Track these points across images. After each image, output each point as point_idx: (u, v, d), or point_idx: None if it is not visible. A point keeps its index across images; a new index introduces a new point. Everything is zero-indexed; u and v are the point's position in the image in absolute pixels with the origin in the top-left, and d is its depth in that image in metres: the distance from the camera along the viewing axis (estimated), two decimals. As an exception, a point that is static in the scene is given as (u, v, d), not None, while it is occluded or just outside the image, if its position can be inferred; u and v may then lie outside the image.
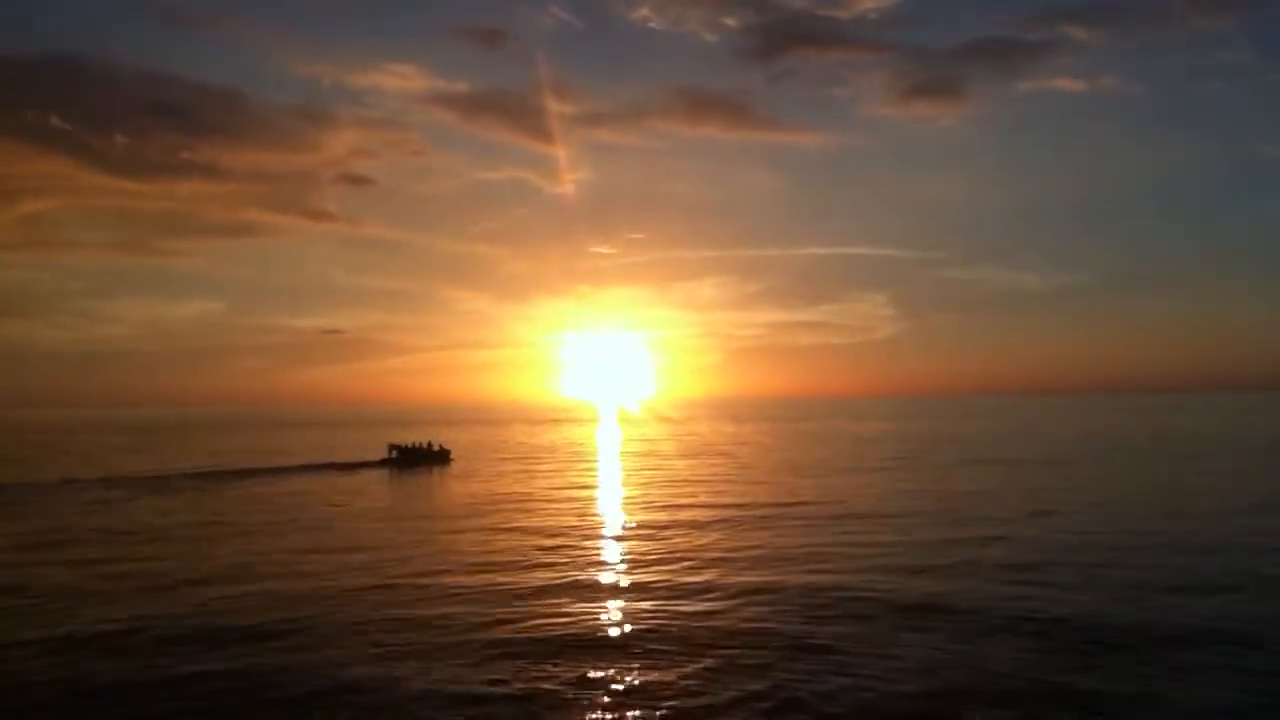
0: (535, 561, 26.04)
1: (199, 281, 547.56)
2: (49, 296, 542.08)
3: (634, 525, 33.49)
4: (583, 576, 23.97)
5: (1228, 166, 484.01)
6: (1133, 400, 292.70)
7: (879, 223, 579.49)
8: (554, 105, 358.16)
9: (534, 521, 34.71)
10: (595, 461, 67.62)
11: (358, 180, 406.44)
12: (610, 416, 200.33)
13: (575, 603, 20.79)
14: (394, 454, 63.68)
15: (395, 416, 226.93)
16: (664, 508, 38.33)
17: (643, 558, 26.56)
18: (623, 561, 26.12)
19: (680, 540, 29.46)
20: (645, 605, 20.36)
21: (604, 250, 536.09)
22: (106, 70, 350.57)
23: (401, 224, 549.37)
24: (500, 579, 23.52)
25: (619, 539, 30.44)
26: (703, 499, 41.22)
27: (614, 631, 18.24)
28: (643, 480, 51.59)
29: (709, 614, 19.35)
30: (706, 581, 22.64)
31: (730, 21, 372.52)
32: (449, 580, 23.46)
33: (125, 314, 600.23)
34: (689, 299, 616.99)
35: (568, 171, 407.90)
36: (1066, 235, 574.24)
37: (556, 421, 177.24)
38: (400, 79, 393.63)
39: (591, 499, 42.90)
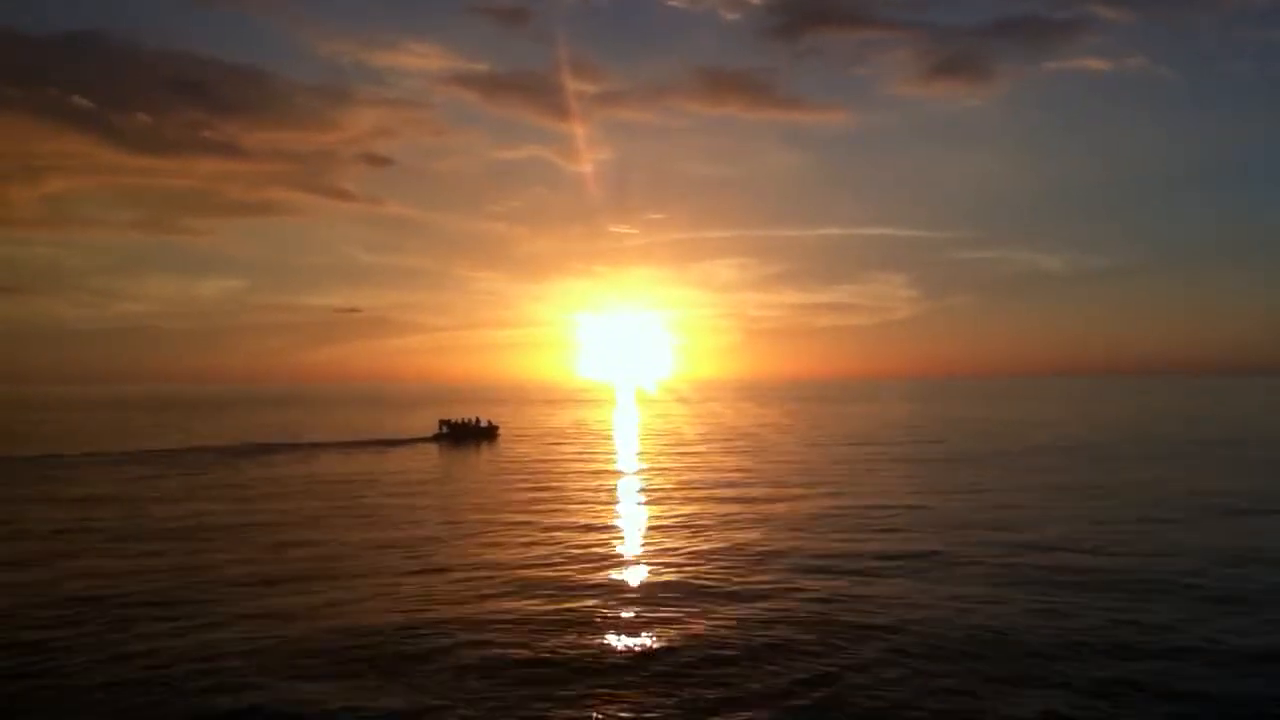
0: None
1: (219, 259, 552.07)
2: (71, 274, 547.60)
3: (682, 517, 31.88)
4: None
5: (1257, 148, 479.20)
6: (1155, 384, 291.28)
7: (900, 203, 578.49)
8: (574, 84, 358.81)
9: (599, 510, 36.05)
10: (627, 441, 68.92)
11: (378, 159, 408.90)
12: (628, 397, 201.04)
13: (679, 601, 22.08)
14: (444, 429, 65.37)
15: (416, 396, 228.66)
16: (716, 499, 39.38)
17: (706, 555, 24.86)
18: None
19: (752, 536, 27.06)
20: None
21: (623, 230, 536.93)
22: (128, 49, 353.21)
23: (421, 203, 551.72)
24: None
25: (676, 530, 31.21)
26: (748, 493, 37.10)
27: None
28: (678, 463, 52.86)
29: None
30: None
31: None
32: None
33: (146, 291, 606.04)
34: (708, 279, 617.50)
35: (587, 150, 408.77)
36: (1090, 217, 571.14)
37: (577, 402, 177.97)
38: (421, 58, 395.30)
39: (637, 479, 44.25)
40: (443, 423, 66.40)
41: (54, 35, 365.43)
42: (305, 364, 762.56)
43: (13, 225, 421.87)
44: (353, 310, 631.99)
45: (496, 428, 67.82)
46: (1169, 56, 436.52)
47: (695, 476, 42.95)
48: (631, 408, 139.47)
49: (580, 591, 19.78)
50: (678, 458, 53.36)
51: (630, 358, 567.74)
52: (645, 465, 49.19)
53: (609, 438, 72.38)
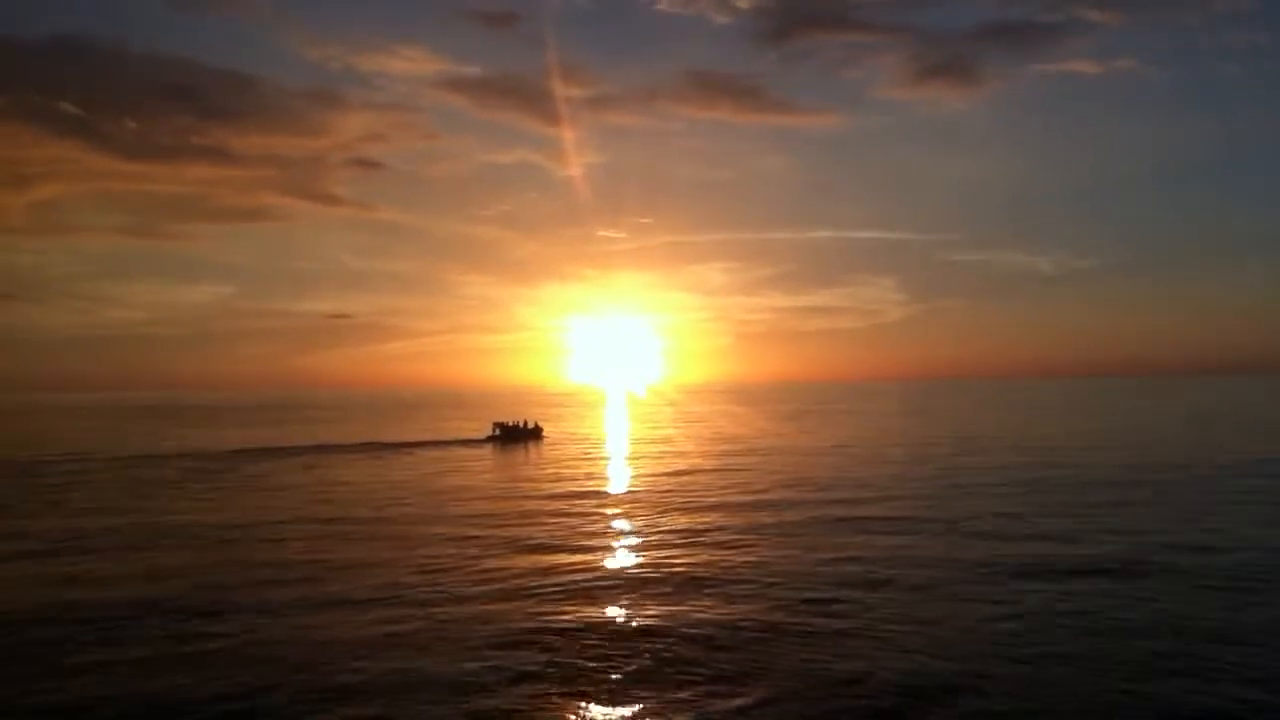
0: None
1: (209, 265, 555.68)
2: (59, 281, 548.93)
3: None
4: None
5: (1245, 148, 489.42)
6: (1150, 384, 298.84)
7: (889, 206, 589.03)
8: (564, 88, 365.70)
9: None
10: (653, 443, 76.55)
11: (367, 164, 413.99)
12: (619, 401, 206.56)
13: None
14: (497, 431, 73.14)
15: (421, 401, 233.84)
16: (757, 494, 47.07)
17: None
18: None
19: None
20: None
21: (613, 234, 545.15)
22: (116, 54, 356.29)
23: (411, 208, 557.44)
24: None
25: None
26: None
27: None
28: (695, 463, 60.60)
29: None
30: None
31: (741, 3, 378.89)
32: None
33: (135, 298, 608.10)
34: (697, 283, 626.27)
35: (577, 155, 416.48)
36: (1079, 218, 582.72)
37: (576, 405, 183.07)
38: (410, 62, 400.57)
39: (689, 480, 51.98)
40: (496, 425, 74.25)
41: (41, 40, 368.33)
42: (295, 370, 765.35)
43: (2, 232, 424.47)
44: (342, 316, 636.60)
45: (541, 429, 75.57)
46: (1157, 58, 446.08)
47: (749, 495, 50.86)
48: (623, 411, 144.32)
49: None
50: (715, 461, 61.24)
51: (620, 361, 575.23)
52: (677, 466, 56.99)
53: (648, 436, 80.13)
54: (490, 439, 72.23)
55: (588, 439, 76.81)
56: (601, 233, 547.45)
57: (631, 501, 36.99)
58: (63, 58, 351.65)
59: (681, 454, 59.83)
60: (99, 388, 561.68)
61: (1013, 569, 22.03)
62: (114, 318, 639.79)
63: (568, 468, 52.19)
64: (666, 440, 73.99)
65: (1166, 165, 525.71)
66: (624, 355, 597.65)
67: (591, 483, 44.09)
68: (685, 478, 45.36)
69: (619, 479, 45.84)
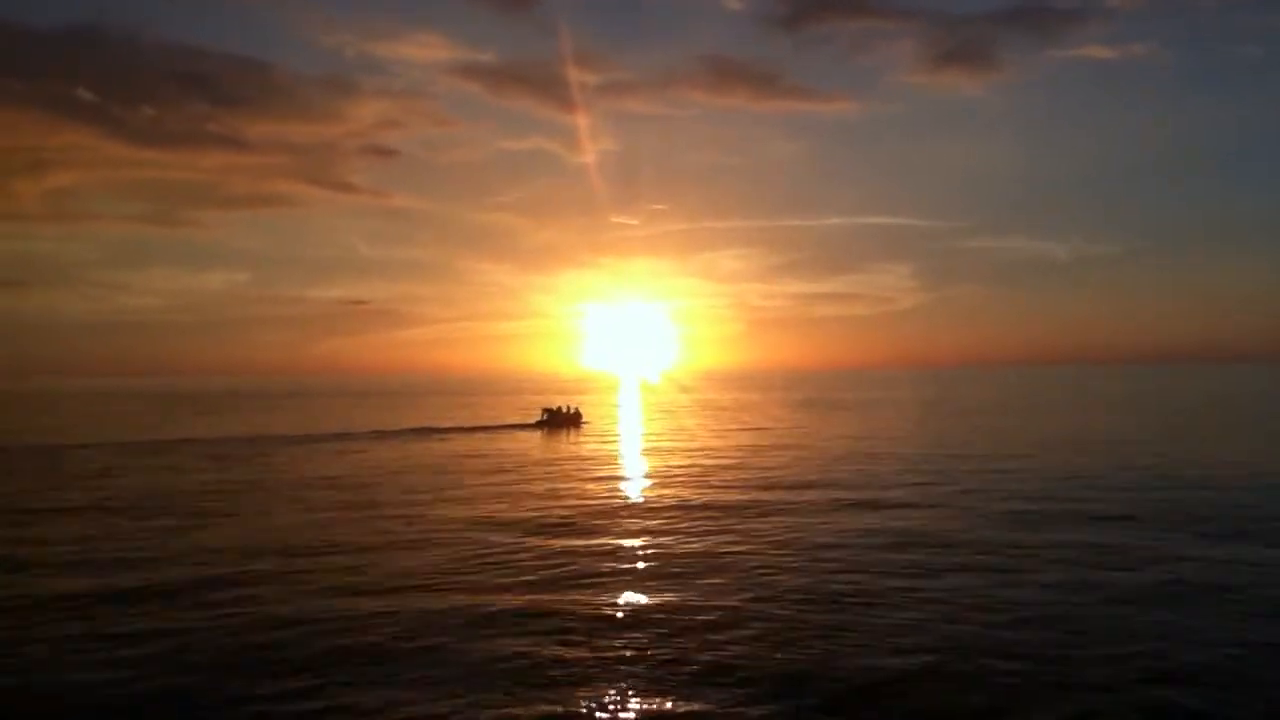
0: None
1: (224, 252, 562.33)
2: (75, 268, 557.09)
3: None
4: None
5: (1263, 132, 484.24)
6: (1169, 372, 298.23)
7: (904, 192, 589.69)
8: (578, 74, 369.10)
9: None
10: (683, 431, 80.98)
11: (382, 151, 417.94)
12: (633, 388, 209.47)
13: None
14: (545, 416, 78.05)
15: (448, 388, 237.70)
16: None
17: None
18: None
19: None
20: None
21: (627, 221, 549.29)
22: (132, 42, 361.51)
23: (426, 195, 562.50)
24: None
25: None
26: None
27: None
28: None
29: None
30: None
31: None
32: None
33: (150, 285, 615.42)
34: (711, 270, 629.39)
35: (591, 141, 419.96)
36: (1095, 204, 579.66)
37: (595, 391, 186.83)
38: (425, 49, 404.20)
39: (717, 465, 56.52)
40: (544, 410, 79.31)
41: (57, 28, 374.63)
42: (312, 356, 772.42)
43: (17, 219, 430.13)
44: (359, 302, 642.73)
45: (581, 415, 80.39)
46: (1174, 42, 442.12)
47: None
48: (637, 398, 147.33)
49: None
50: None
51: (634, 348, 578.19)
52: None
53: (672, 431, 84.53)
54: (539, 424, 76.96)
55: (607, 433, 78.70)
56: (616, 219, 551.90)
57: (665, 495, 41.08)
58: (79, 46, 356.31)
59: (706, 448, 63.73)
60: (113, 374, 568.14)
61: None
62: (128, 304, 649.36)
63: (613, 457, 56.53)
64: (687, 431, 77.61)
65: (1181, 150, 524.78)
66: (638, 341, 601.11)
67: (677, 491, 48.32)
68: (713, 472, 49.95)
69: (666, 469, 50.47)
